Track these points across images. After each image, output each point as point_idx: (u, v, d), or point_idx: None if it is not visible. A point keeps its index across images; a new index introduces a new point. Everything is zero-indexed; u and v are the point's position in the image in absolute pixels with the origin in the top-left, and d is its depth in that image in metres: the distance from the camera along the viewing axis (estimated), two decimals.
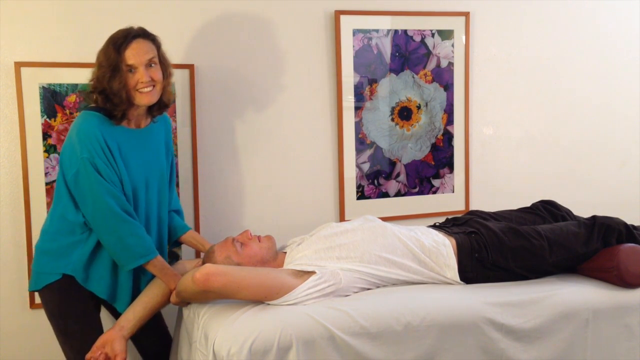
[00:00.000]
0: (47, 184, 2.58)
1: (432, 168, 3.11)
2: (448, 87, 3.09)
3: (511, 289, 2.19)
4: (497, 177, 3.23)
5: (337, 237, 2.26)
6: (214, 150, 2.80)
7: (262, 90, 2.85)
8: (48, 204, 2.58)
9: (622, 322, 2.19)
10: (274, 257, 2.30)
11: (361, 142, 2.98)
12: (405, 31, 2.99)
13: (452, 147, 3.13)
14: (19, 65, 2.51)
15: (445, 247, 2.24)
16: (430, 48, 3.03)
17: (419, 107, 3.06)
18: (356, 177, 3.00)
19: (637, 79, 3.38)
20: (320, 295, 2.06)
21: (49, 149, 2.57)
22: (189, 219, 2.69)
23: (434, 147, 3.10)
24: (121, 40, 2.11)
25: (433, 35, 3.03)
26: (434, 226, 2.47)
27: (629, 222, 2.38)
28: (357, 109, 2.96)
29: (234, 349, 1.84)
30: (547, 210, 2.55)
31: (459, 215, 2.56)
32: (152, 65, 2.15)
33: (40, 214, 2.57)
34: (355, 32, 2.91)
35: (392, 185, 3.06)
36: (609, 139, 3.38)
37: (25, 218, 2.57)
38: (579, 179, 3.35)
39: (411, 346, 1.99)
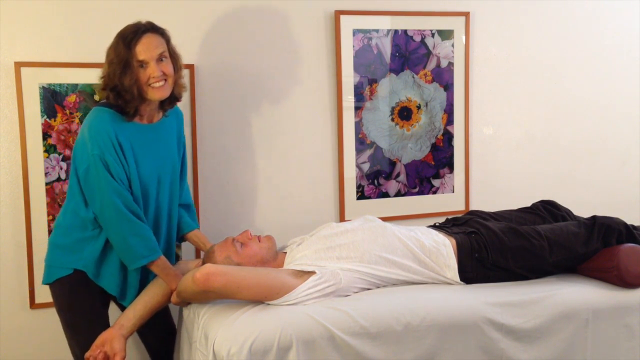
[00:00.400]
0: (47, 184, 2.58)
1: (432, 168, 3.11)
2: (448, 87, 3.09)
3: (511, 289, 2.19)
4: (497, 177, 3.23)
5: (337, 237, 2.26)
6: (214, 150, 2.80)
7: (262, 90, 2.85)
8: (48, 204, 2.58)
9: (622, 322, 2.19)
10: (274, 257, 2.30)
11: (361, 142, 2.98)
12: (405, 31, 2.99)
13: (452, 147, 3.13)
14: (19, 65, 2.51)
15: (445, 247, 2.24)
16: (430, 48, 3.03)
17: (419, 107, 3.06)
18: (356, 177, 3.00)
19: (637, 79, 3.38)
20: (321, 295, 2.06)
21: (49, 149, 2.57)
22: None
23: (434, 147, 3.10)
24: (131, 35, 2.09)
25: (433, 35, 3.03)
26: (434, 226, 2.47)
27: (629, 222, 2.38)
28: (357, 109, 2.96)
29: (234, 349, 1.84)
30: (547, 210, 2.54)
31: (459, 216, 2.56)
32: (163, 59, 2.15)
33: (40, 214, 2.58)
34: (355, 32, 2.91)
35: (392, 185, 3.06)
36: (609, 139, 3.38)
37: (25, 218, 2.57)
38: (579, 179, 3.35)
39: (411, 346, 1.99)
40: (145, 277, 2.26)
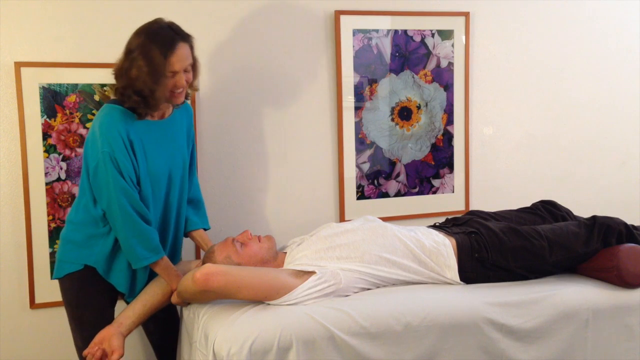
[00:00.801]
0: (47, 184, 2.58)
1: (432, 168, 3.11)
2: (448, 87, 3.09)
3: (511, 289, 2.19)
4: (497, 177, 3.23)
5: (337, 237, 2.26)
6: (214, 150, 2.80)
7: (262, 90, 2.85)
8: (48, 204, 2.58)
9: (622, 322, 2.19)
10: (274, 257, 2.30)
11: (361, 142, 2.98)
12: (405, 31, 2.99)
13: (452, 147, 3.13)
14: (19, 65, 2.51)
15: (445, 247, 2.24)
16: (430, 48, 3.03)
17: (419, 107, 3.06)
18: (356, 177, 3.00)
19: (637, 79, 3.38)
20: (321, 296, 2.06)
21: (49, 149, 2.57)
22: None
23: (434, 147, 3.10)
24: (168, 46, 2.07)
25: (433, 35, 3.03)
26: (434, 226, 2.47)
27: (629, 222, 2.38)
28: (357, 109, 2.96)
29: (234, 349, 1.84)
30: (547, 210, 2.55)
31: (459, 215, 2.56)
32: (188, 69, 2.16)
33: (40, 214, 2.58)
34: (355, 32, 2.91)
35: (392, 185, 3.06)
36: (609, 139, 3.38)
37: (25, 218, 2.57)
38: (579, 179, 3.35)
39: (411, 346, 1.99)
40: (154, 275, 2.28)
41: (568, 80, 3.29)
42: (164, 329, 2.42)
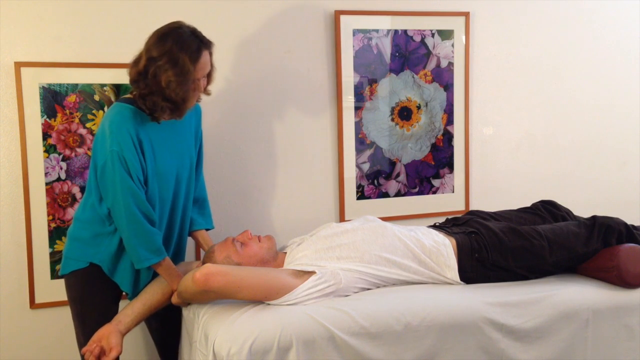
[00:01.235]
0: (47, 184, 2.58)
1: (432, 168, 3.11)
2: (448, 87, 3.09)
3: (511, 289, 2.19)
4: (497, 177, 3.23)
5: (337, 237, 2.26)
6: (214, 151, 2.80)
7: (262, 90, 2.85)
8: (48, 204, 2.58)
9: (622, 322, 2.19)
10: (274, 257, 2.30)
11: (361, 142, 2.98)
12: (405, 31, 2.99)
13: (452, 147, 3.13)
14: (19, 65, 2.51)
15: (445, 247, 2.24)
16: (430, 48, 3.03)
17: (419, 107, 3.06)
18: (356, 177, 3.00)
19: (637, 79, 3.38)
20: (321, 296, 2.06)
21: (49, 149, 2.57)
22: None
23: (434, 147, 3.10)
24: (195, 53, 2.08)
25: (433, 35, 3.03)
26: (434, 226, 2.47)
27: (629, 222, 2.38)
28: (357, 109, 2.96)
29: (234, 349, 1.84)
30: (547, 210, 2.54)
31: (459, 215, 2.56)
32: (206, 75, 2.18)
33: (40, 214, 2.58)
34: (355, 32, 2.91)
35: (392, 185, 3.06)
36: (609, 139, 3.38)
37: (25, 218, 2.57)
38: (579, 179, 3.35)
39: (411, 346, 1.99)
40: (157, 276, 2.28)
41: (568, 80, 3.29)
42: (167, 327, 2.43)
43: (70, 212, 2.61)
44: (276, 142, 2.89)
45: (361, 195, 3.01)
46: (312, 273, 2.09)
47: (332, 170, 2.98)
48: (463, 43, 3.08)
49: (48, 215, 2.59)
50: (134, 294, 2.26)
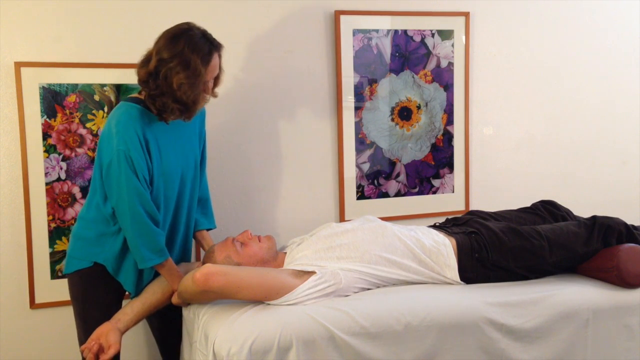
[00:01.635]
0: (47, 184, 2.58)
1: (432, 168, 3.11)
2: (448, 87, 3.09)
3: (511, 289, 2.19)
4: (497, 177, 3.23)
5: (337, 237, 2.26)
6: (214, 151, 2.80)
7: (262, 90, 2.85)
8: (48, 204, 2.58)
9: (622, 322, 2.19)
10: (274, 257, 2.30)
11: (361, 142, 2.98)
12: (405, 31, 2.99)
13: (452, 147, 3.13)
14: (19, 65, 2.51)
15: (445, 247, 2.24)
16: (430, 48, 3.03)
17: (419, 107, 3.06)
18: (356, 177, 3.00)
19: (637, 79, 3.38)
20: (321, 296, 2.06)
21: (49, 149, 2.57)
22: None
23: (434, 147, 3.10)
24: (207, 55, 2.08)
25: (433, 35, 3.03)
26: (434, 226, 2.47)
27: (629, 222, 2.38)
28: (357, 109, 2.96)
29: (234, 349, 1.84)
30: (547, 210, 2.55)
31: (459, 215, 2.56)
32: (214, 77, 2.19)
33: (40, 214, 2.58)
34: (355, 32, 2.91)
35: (392, 186, 3.06)
36: (609, 139, 3.38)
37: (25, 218, 2.57)
38: (579, 179, 3.35)
39: (411, 346, 1.99)
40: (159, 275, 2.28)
41: (568, 80, 3.29)
42: (168, 325, 2.43)
43: (71, 212, 2.61)
44: (276, 142, 2.89)
45: (361, 195, 3.01)
46: (312, 273, 2.09)
47: (332, 170, 2.98)
48: (463, 43, 3.08)
49: (48, 216, 2.59)
50: (137, 293, 2.26)
